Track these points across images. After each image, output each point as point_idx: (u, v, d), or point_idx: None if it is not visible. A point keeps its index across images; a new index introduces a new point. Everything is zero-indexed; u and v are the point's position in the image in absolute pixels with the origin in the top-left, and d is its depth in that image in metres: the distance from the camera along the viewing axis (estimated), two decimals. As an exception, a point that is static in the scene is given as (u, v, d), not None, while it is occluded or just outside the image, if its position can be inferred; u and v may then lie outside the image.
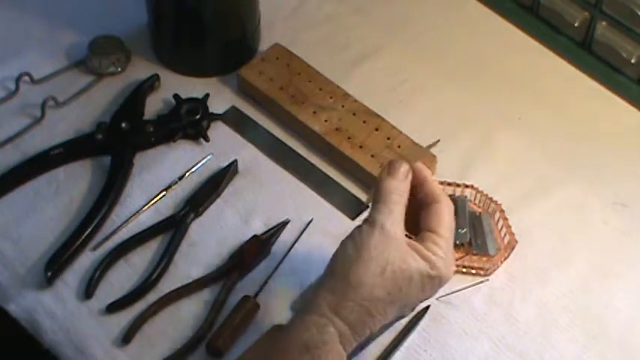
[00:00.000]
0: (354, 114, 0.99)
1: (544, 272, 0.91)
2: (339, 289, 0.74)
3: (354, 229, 0.77)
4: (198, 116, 0.98)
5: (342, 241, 0.77)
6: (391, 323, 0.83)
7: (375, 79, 1.06)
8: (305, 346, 0.72)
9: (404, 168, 0.79)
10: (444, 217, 0.78)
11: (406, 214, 0.78)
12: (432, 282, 0.76)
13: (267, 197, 0.95)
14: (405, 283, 0.74)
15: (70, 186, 0.94)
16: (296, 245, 0.91)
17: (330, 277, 0.75)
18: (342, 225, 0.92)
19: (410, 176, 0.79)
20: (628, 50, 1.03)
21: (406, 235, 0.77)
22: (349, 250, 0.75)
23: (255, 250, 0.89)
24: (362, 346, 0.84)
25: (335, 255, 0.77)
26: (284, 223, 0.92)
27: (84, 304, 0.86)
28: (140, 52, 1.05)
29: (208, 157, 0.97)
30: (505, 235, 0.91)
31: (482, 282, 0.88)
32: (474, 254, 0.90)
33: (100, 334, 0.84)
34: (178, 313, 0.86)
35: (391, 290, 0.74)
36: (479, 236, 0.91)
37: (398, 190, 0.77)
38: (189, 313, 0.86)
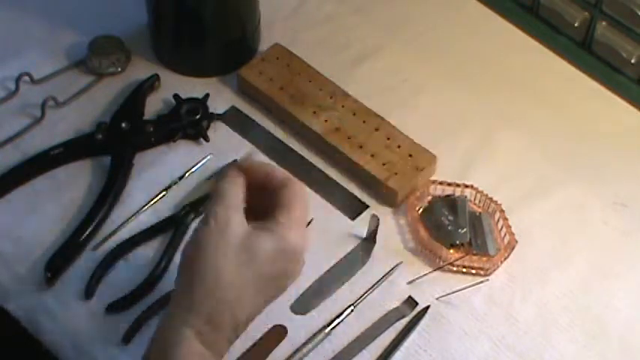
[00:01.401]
0: (354, 114, 0.99)
1: (544, 272, 0.91)
2: (187, 286, 0.71)
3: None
4: (198, 116, 0.98)
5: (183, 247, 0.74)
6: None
7: (375, 79, 1.05)
8: (158, 352, 0.70)
9: (231, 169, 0.75)
10: (291, 197, 0.74)
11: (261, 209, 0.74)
12: (283, 253, 0.72)
13: (267, 197, 0.95)
14: (251, 258, 0.70)
15: (70, 186, 0.94)
16: (296, 245, 0.91)
17: (178, 279, 0.72)
18: (342, 225, 0.92)
19: (241, 175, 0.75)
20: (628, 50, 1.03)
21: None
22: (187, 251, 0.72)
23: (255, 250, 0.89)
24: (360, 348, 0.84)
25: (180, 261, 0.74)
26: (284, 223, 0.92)
27: (84, 304, 0.86)
28: (140, 52, 1.05)
29: (208, 157, 0.97)
30: (505, 235, 0.91)
31: (482, 282, 0.88)
32: (474, 254, 0.90)
33: (99, 334, 0.84)
34: (178, 313, 0.86)
35: (239, 271, 0.70)
36: (479, 236, 0.91)
37: (226, 183, 0.74)
38: (189, 313, 0.86)
